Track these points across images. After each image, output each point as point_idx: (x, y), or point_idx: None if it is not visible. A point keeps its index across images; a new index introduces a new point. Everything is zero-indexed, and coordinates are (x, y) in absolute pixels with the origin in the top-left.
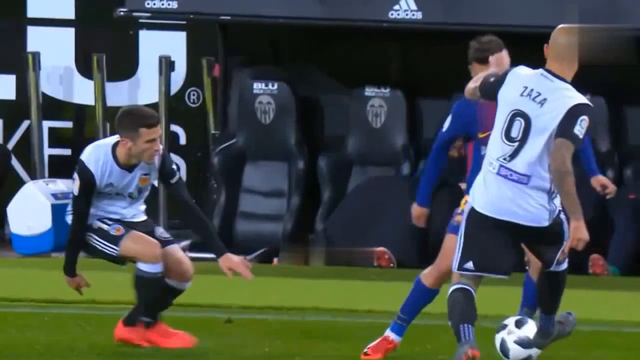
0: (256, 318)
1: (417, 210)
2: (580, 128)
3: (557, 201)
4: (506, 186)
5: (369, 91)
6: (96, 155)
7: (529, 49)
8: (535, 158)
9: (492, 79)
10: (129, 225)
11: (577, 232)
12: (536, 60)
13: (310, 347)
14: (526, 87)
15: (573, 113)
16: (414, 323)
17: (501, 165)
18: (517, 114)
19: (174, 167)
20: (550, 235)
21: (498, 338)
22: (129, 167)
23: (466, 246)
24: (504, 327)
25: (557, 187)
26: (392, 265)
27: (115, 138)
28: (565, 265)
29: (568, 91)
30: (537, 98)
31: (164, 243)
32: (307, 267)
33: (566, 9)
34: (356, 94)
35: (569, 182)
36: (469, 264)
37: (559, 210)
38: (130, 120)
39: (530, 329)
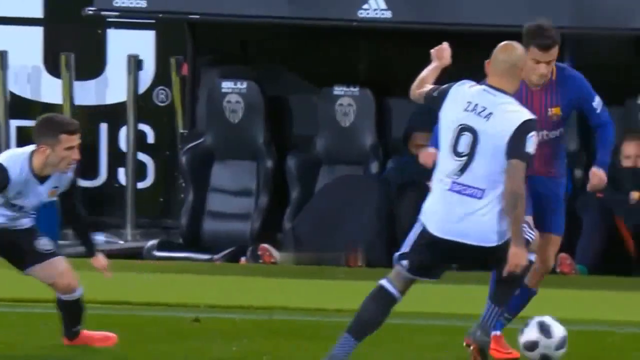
0: (224, 317)
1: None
2: (530, 144)
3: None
4: (458, 202)
5: (337, 90)
6: (14, 161)
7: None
8: (486, 172)
9: (435, 93)
10: (11, 233)
11: (516, 258)
12: None
13: (278, 346)
14: (470, 102)
15: (522, 131)
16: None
17: (453, 182)
18: (464, 128)
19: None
20: (496, 254)
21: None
22: (42, 178)
23: (412, 249)
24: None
25: (508, 210)
26: (360, 264)
27: (32, 147)
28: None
29: (512, 105)
30: (483, 112)
31: (45, 256)
32: (275, 266)
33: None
34: (325, 93)
35: (520, 206)
36: (405, 262)
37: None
38: (50, 126)
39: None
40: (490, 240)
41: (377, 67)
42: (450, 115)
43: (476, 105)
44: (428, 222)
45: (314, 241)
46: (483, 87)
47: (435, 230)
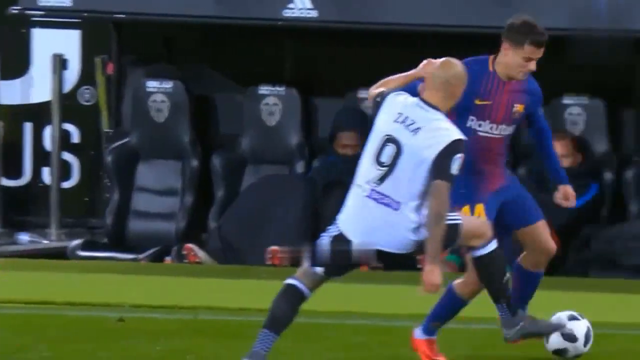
0: (148, 317)
1: None
2: (456, 166)
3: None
4: (376, 210)
5: (263, 89)
6: None
7: (428, 48)
8: (405, 185)
9: (378, 99)
10: None
11: (431, 276)
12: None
13: (203, 345)
14: (401, 114)
15: (450, 151)
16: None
17: (372, 189)
18: (390, 139)
19: None
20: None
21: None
22: None
23: (323, 248)
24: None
25: (429, 228)
26: (285, 263)
27: None
28: (487, 250)
29: (442, 122)
30: (411, 126)
31: None
32: (200, 266)
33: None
34: (250, 93)
35: (441, 226)
36: (313, 260)
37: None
38: None
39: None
40: (406, 247)
41: (303, 66)
42: (380, 124)
43: (406, 118)
44: (344, 225)
45: (239, 240)
46: (417, 100)
47: (352, 234)
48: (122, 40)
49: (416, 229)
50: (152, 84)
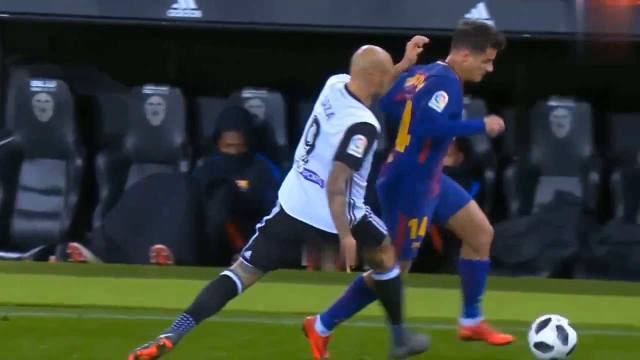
0: (33, 315)
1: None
2: (355, 147)
3: (358, 213)
4: (308, 186)
5: (147, 89)
6: None
7: (312, 49)
8: (324, 165)
9: None
10: None
11: (347, 248)
12: (320, 60)
13: (88, 344)
14: (326, 97)
15: (349, 132)
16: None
17: (304, 167)
18: (315, 120)
19: None
20: (337, 243)
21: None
22: None
23: (256, 238)
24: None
25: (328, 204)
26: (169, 262)
27: None
28: (391, 275)
29: (354, 109)
30: (328, 110)
31: None
32: (84, 265)
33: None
34: (135, 92)
35: (336, 202)
36: (248, 253)
37: (361, 218)
38: None
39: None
40: (332, 226)
41: (187, 66)
42: (316, 104)
43: (327, 101)
44: (282, 197)
45: (124, 239)
46: (341, 87)
47: (287, 207)
48: (5, 39)
49: (347, 205)
50: (36, 84)
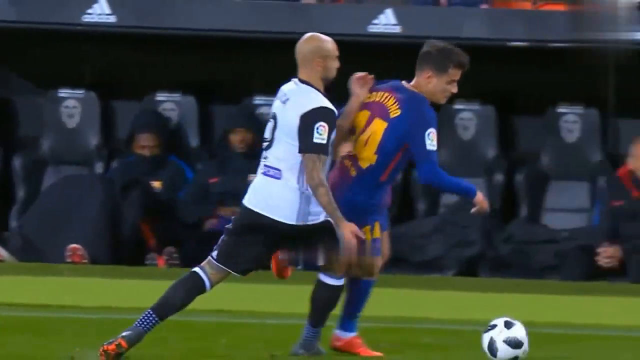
0: None
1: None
2: (319, 135)
3: (317, 207)
4: (265, 182)
5: (63, 92)
6: None
7: (227, 54)
8: (282, 155)
9: None
10: None
11: (347, 235)
12: (232, 64)
13: (3, 342)
14: (281, 90)
15: (309, 121)
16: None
17: (264, 164)
18: (272, 116)
19: None
20: (295, 236)
21: (486, 337)
22: None
23: (223, 237)
24: (494, 326)
25: (316, 198)
26: (85, 261)
27: None
28: (337, 283)
29: (308, 94)
30: (283, 98)
31: None
32: (0, 264)
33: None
34: (50, 95)
35: (321, 193)
36: (215, 252)
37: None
38: None
39: (519, 330)
40: (289, 218)
41: (103, 70)
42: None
43: (284, 94)
44: (246, 196)
45: (40, 239)
46: (294, 79)
47: (248, 203)
48: None
49: (303, 195)
50: None
